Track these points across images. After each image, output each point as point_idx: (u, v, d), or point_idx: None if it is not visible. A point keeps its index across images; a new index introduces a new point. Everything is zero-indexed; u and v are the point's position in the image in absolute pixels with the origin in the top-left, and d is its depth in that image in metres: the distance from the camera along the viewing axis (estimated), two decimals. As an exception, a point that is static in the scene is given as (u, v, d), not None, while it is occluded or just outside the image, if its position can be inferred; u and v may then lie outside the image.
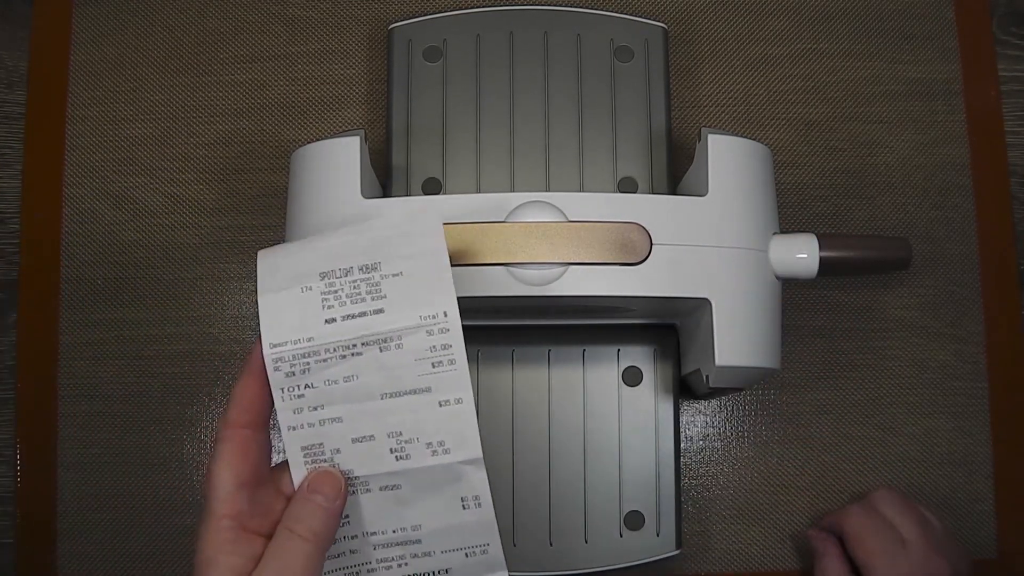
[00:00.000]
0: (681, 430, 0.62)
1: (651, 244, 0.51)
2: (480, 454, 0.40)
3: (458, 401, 0.40)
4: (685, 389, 0.61)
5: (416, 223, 0.41)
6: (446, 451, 0.40)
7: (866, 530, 0.57)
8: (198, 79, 0.66)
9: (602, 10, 0.63)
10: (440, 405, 0.40)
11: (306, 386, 0.40)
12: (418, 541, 0.41)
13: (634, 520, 0.58)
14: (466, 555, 0.42)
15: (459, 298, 0.51)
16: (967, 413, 0.64)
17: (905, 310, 0.64)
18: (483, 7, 0.63)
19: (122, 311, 0.63)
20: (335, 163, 0.53)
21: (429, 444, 0.40)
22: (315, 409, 0.40)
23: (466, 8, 0.63)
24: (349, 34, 0.66)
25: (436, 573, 0.42)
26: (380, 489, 0.41)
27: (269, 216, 0.64)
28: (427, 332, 0.39)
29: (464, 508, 0.41)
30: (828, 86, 0.66)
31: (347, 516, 0.41)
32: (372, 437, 0.40)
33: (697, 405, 0.64)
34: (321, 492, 0.40)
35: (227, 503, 0.39)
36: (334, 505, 0.40)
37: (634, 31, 0.62)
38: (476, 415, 0.40)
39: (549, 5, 0.63)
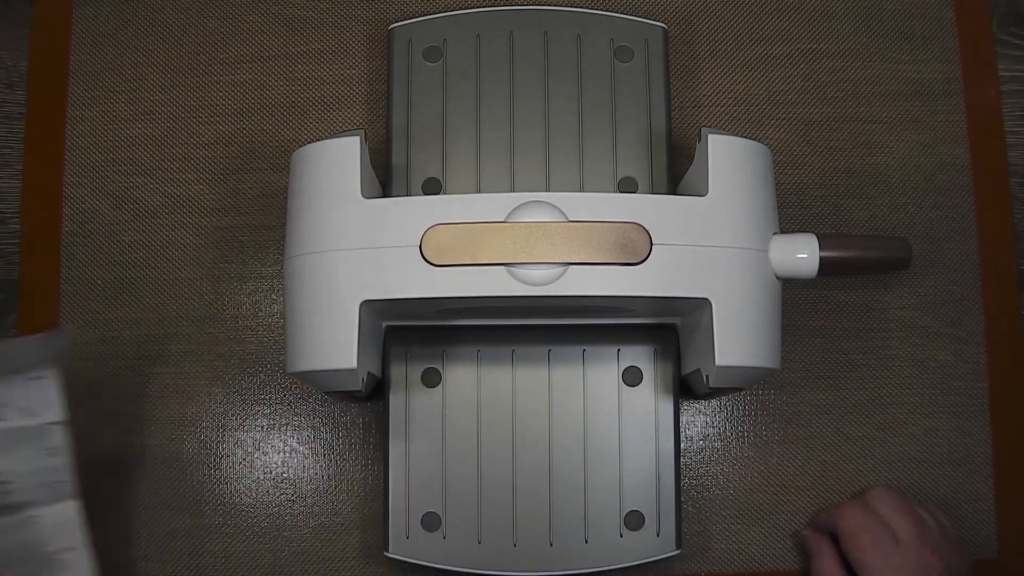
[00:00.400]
0: (681, 430, 0.62)
1: (651, 244, 0.51)
2: (63, 416, 0.52)
3: (43, 376, 0.52)
4: (685, 389, 0.61)
5: None
6: (34, 415, 0.52)
7: (860, 528, 0.57)
8: (198, 79, 0.66)
9: (602, 10, 0.63)
10: (29, 380, 0.52)
11: None
12: (8, 481, 0.52)
13: (634, 520, 0.58)
14: (47, 488, 0.52)
15: (458, 298, 0.51)
16: (967, 413, 0.64)
17: (905, 310, 0.64)
18: (483, 7, 0.63)
19: (122, 311, 0.63)
20: (335, 163, 0.53)
21: (20, 409, 0.51)
22: None
23: (466, 8, 0.63)
24: (349, 34, 0.66)
25: (22, 504, 0.52)
26: None
27: (269, 216, 0.64)
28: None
29: (48, 456, 0.52)
30: (828, 86, 0.66)
31: None
32: None
33: (697, 405, 0.64)
34: None
35: None
36: None
37: (634, 31, 0.62)
38: (60, 386, 0.51)
39: (549, 5, 0.63)
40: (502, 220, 0.51)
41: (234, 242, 0.64)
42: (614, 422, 0.59)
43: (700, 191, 0.53)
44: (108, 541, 0.61)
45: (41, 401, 0.52)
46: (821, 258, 0.54)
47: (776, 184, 0.56)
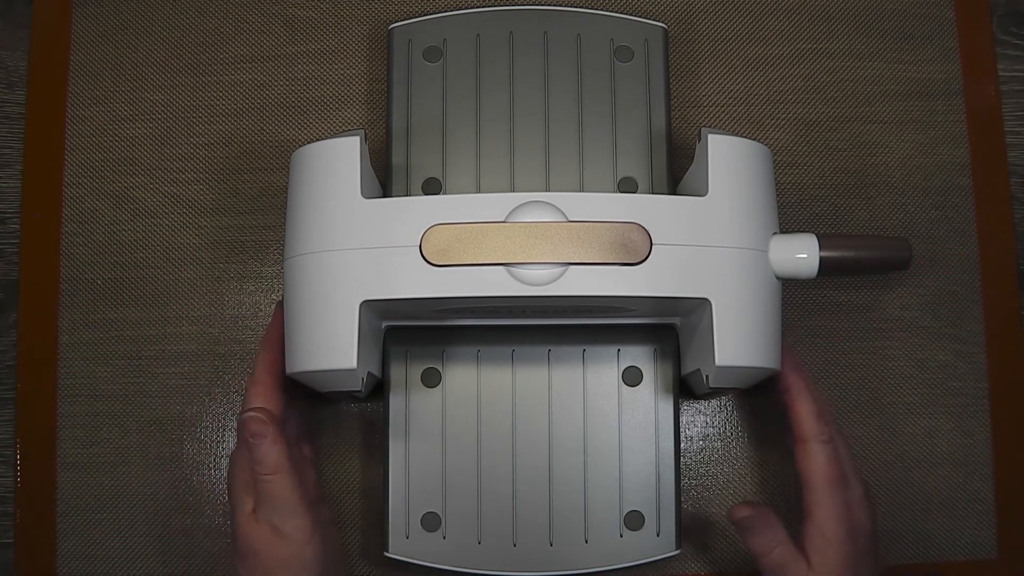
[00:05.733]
0: (681, 430, 0.62)
1: (651, 244, 0.51)
2: None
3: None
4: (685, 389, 0.61)
5: None
6: None
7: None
8: (198, 79, 0.66)
9: (602, 10, 0.63)
10: None
11: None
12: None
13: (634, 520, 0.58)
14: None
15: (458, 298, 0.51)
16: (967, 413, 0.64)
17: (905, 310, 0.64)
18: (483, 7, 0.63)
19: (122, 311, 0.63)
20: (335, 163, 0.53)
21: None
22: None
23: (466, 8, 0.63)
24: (349, 34, 0.66)
25: None
26: None
27: (269, 216, 0.64)
28: None
29: None
30: (828, 86, 0.66)
31: None
32: None
33: (697, 405, 0.64)
34: None
35: None
36: None
37: (634, 31, 0.62)
38: None
39: (549, 5, 0.63)
40: (502, 220, 0.51)
41: (234, 242, 0.64)
42: (614, 422, 0.59)
43: (700, 191, 0.53)
44: (108, 541, 0.62)
45: None
46: (821, 258, 0.54)
47: (776, 184, 0.56)
